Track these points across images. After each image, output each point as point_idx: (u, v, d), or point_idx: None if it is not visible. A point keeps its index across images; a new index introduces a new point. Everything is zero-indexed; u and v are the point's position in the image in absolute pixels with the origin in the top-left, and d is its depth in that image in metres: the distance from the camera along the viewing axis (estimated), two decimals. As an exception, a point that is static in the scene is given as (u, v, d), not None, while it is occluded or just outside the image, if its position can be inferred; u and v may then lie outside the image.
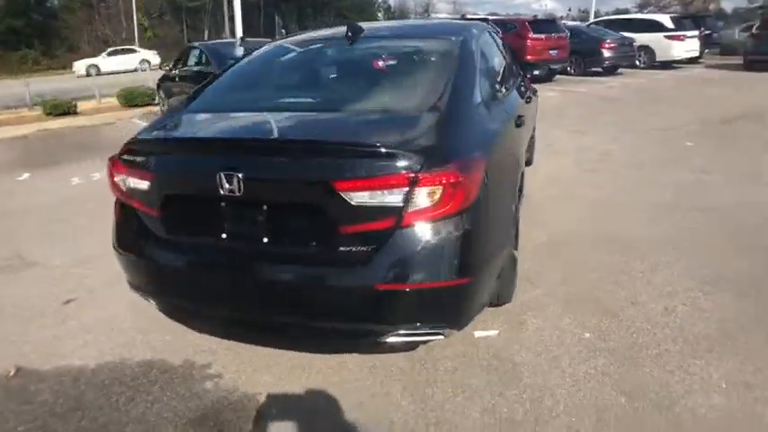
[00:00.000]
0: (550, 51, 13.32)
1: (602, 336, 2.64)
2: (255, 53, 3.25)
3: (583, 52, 14.55)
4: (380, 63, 2.80)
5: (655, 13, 22.12)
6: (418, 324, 2.01)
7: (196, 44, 10.19)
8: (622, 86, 12.67)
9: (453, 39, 2.92)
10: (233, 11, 13.31)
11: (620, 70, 15.45)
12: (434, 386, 2.32)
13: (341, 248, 1.95)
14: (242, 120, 2.50)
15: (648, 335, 2.64)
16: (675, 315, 2.81)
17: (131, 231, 2.34)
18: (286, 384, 2.36)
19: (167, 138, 2.41)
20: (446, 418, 2.14)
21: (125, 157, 2.28)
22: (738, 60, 16.06)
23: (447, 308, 2.02)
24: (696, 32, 16.35)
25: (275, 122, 2.32)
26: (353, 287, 1.93)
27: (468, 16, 12.34)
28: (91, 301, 3.18)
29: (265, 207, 2.01)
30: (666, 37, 15.87)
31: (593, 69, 14.85)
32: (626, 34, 15.57)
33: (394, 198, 1.86)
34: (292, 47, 3.30)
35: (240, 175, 1.95)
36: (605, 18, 19.27)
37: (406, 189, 1.85)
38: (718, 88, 11.86)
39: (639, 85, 12.76)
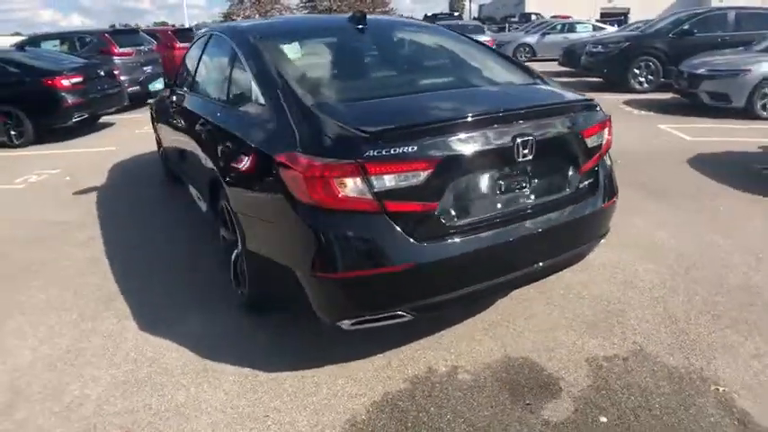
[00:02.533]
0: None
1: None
2: (276, 49, 2.83)
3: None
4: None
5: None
6: (608, 229, 2.73)
7: None
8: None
9: (441, 27, 3.57)
10: None
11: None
12: (606, 296, 2.98)
13: (580, 185, 2.48)
14: (448, 97, 2.53)
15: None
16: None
17: (380, 241, 2.01)
18: (556, 346, 2.56)
19: (442, 119, 2.16)
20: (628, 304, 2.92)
21: (380, 153, 1.94)
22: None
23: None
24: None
25: (496, 94, 2.64)
26: (595, 212, 2.50)
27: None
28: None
29: (530, 168, 2.27)
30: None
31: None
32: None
33: (601, 137, 2.54)
34: (321, 37, 3.23)
35: (531, 139, 2.18)
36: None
37: (604, 129, 2.56)
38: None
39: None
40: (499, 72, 2.94)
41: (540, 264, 2.39)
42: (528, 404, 2.17)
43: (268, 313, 2.89)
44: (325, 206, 2.00)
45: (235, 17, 32.25)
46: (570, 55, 13.30)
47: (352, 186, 1.96)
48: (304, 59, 2.98)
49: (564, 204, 2.42)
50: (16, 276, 3.57)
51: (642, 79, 10.29)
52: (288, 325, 2.78)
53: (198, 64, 3.74)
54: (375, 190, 1.97)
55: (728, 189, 4.69)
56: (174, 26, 17.80)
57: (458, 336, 2.64)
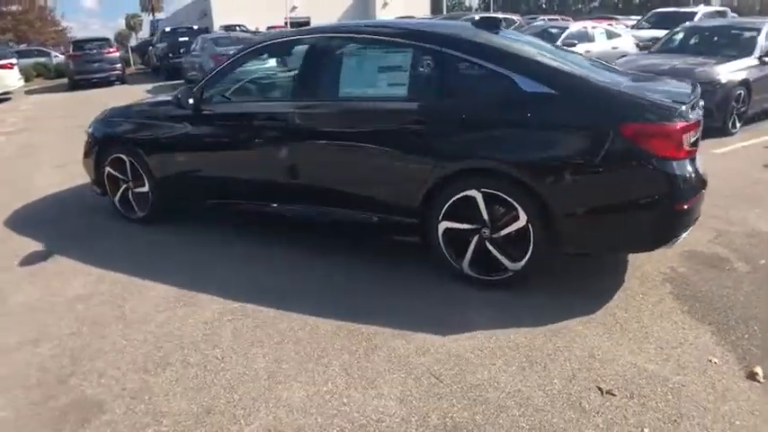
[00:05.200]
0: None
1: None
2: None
3: None
4: None
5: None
6: None
7: None
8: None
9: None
10: None
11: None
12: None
13: None
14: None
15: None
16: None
17: (695, 176, 2.99)
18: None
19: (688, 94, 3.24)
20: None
21: (693, 116, 2.96)
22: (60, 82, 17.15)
23: None
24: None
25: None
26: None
27: None
28: None
29: None
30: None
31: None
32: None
33: None
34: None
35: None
36: None
37: None
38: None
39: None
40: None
41: None
42: (728, 269, 3.50)
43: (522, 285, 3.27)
44: (671, 157, 2.86)
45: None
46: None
47: (686, 140, 2.91)
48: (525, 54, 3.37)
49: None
50: (184, 348, 2.92)
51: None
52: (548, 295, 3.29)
53: (322, 71, 3.76)
54: (691, 141, 2.96)
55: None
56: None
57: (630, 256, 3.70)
